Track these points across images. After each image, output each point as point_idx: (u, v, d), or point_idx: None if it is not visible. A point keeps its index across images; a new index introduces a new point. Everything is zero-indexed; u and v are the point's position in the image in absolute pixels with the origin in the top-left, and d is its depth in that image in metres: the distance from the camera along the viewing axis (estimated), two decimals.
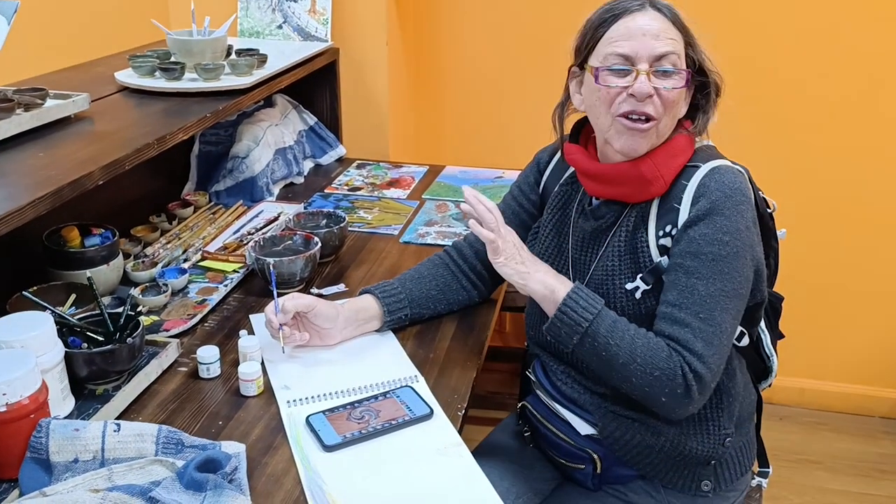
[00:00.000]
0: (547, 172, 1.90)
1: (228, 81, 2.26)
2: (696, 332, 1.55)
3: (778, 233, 1.81)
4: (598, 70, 1.61)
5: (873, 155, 3.11)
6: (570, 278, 1.76)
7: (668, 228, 1.63)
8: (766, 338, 1.84)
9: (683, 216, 1.60)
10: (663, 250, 1.64)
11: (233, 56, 2.44)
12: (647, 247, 1.65)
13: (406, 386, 1.67)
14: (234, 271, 2.11)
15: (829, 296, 3.34)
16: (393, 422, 1.55)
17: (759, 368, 1.87)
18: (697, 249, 1.57)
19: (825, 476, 3.16)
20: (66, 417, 1.51)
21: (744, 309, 1.64)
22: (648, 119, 1.60)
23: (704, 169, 1.62)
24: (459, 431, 1.57)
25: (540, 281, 1.68)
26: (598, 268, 1.72)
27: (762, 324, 1.80)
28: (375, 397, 1.63)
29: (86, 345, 1.62)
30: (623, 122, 1.62)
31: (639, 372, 1.57)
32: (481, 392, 2.97)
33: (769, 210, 1.78)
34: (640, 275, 1.65)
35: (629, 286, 1.66)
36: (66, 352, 1.52)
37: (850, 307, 3.36)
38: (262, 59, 2.42)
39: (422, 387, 1.69)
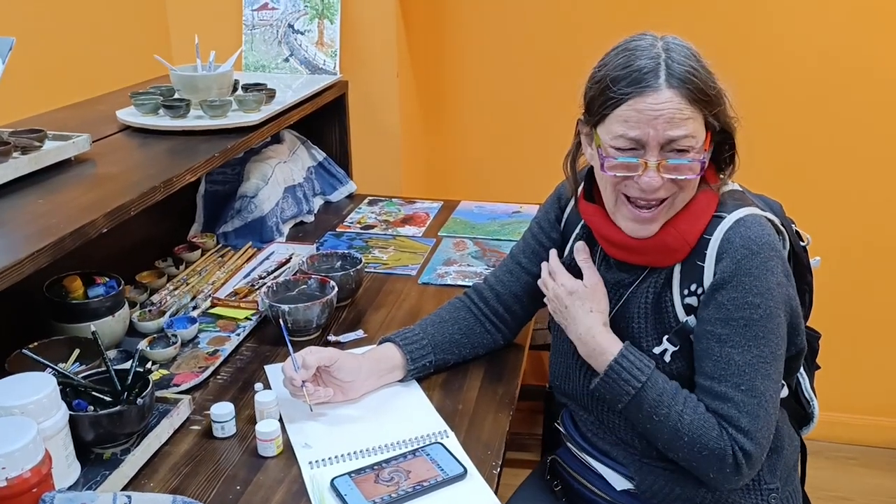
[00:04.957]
0: (569, 208, 1.80)
1: (236, 118, 2.16)
2: (739, 406, 1.47)
3: (812, 261, 1.72)
4: (603, 158, 1.51)
5: None
6: None
7: (693, 287, 1.55)
8: (806, 382, 1.78)
9: (708, 274, 1.52)
10: (689, 309, 1.55)
11: (239, 91, 2.36)
12: (672, 307, 1.57)
13: (436, 443, 1.56)
14: (247, 318, 2.01)
15: (858, 327, 3.25)
16: (424, 483, 1.44)
17: (801, 415, 1.79)
18: (727, 315, 1.48)
19: None
20: (71, 486, 1.40)
21: (783, 367, 1.56)
22: (663, 200, 1.52)
23: (729, 220, 1.52)
24: (496, 492, 1.46)
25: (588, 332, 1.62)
26: (621, 327, 1.63)
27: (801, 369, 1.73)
28: (404, 456, 1.52)
29: (91, 407, 1.51)
30: (628, 206, 1.53)
31: (685, 448, 1.50)
32: None
33: (803, 244, 1.70)
34: (667, 336, 1.57)
35: (657, 350, 1.58)
36: (70, 415, 1.42)
37: (879, 338, 3.26)
38: (271, 94, 2.33)
39: (452, 443, 1.58)
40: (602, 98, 1.50)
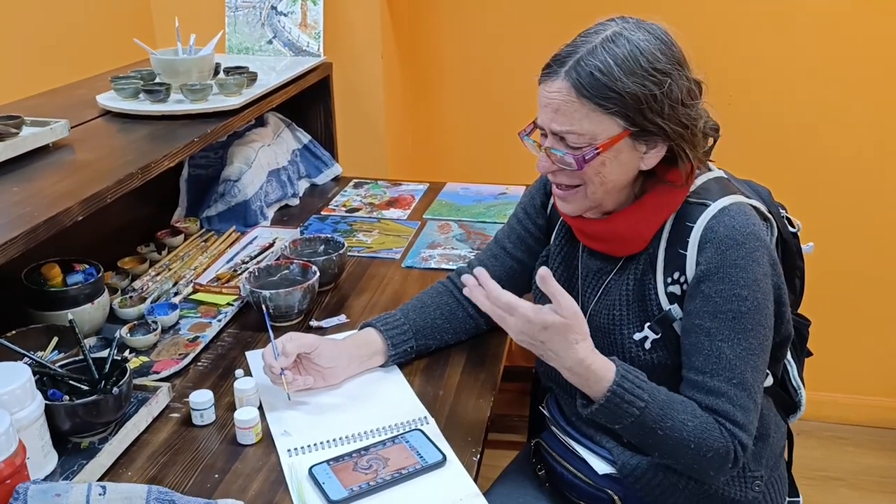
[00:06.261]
0: None
1: (217, 102, 2.14)
2: (732, 401, 1.46)
3: (804, 247, 1.71)
4: (521, 133, 1.59)
5: None
6: None
7: (675, 275, 1.53)
8: (793, 369, 1.75)
9: (691, 263, 1.50)
10: (672, 298, 1.53)
11: (221, 75, 2.33)
12: (656, 294, 1.55)
13: (416, 429, 1.55)
14: (229, 304, 1.99)
15: (847, 307, 3.24)
16: (403, 471, 1.43)
17: (788, 404, 1.77)
18: (716, 308, 1.46)
19: (849, 493, 3.05)
20: (47, 476, 1.39)
21: (769, 357, 1.55)
22: (570, 186, 1.53)
23: (713, 209, 1.49)
24: (475, 479, 1.45)
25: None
26: (602, 314, 1.62)
27: (788, 355, 1.71)
28: (383, 443, 1.51)
29: (67, 397, 1.50)
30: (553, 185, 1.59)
31: (692, 454, 1.46)
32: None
33: (793, 230, 1.67)
34: (649, 324, 1.55)
35: (637, 336, 1.56)
36: (46, 404, 1.40)
37: (870, 318, 3.25)
38: (252, 77, 2.31)
39: (432, 429, 1.57)
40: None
